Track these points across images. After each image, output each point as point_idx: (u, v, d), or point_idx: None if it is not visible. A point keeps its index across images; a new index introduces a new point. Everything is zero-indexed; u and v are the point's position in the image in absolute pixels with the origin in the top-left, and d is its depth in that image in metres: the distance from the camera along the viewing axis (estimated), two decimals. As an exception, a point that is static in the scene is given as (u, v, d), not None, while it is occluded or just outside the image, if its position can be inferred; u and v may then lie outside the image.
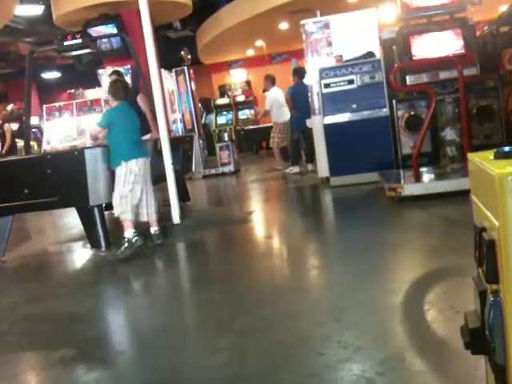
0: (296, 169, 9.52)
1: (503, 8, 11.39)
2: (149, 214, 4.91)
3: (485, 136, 6.62)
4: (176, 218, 5.83)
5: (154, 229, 4.98)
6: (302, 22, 7.55)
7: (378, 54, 7.20)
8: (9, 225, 5.20)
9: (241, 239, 5.23)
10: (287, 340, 2.57)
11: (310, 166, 9.47)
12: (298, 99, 9.02)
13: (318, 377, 2.17)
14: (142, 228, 4.97)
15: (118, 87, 4.97)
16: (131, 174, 4.71)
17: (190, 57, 12.63)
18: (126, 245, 4.65)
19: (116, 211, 4.77)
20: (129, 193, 4.71)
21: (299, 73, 9.33)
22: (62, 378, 2.58)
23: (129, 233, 4.70)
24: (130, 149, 4.77)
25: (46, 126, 11.75)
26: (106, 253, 4.94)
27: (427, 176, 6.02)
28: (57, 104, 12.42)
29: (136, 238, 4.69)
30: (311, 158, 9.31)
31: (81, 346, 2.90)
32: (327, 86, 6.92)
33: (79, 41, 6.13)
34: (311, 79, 7.49)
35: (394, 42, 6.82)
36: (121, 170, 4.72)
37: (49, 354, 2.86)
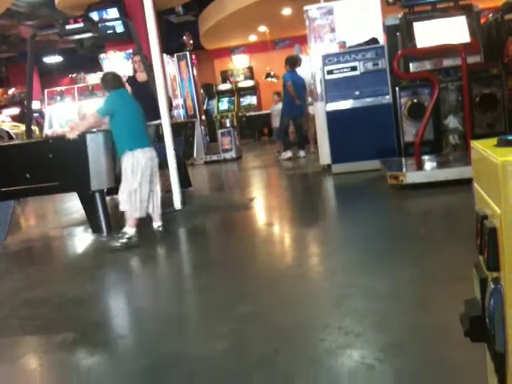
0: (289, 153, 9.83)
1: (508, -5, 11.30)
2: (154, 208, 4.62)
3: (488, 125, 6.59)
4: (177, 203, 5.84)
5: (157, 224, 4.72)
6: (306, 7, 7.49)
7: (382, 40, 7.15)
8: (11, 209, 5.22)
9: (242, 226, 5.23)
10: (288, 326, 2.58)
11: (301, 153, 9.85)
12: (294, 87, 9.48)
13: (318, 363, 2.19)
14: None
15: (108, 80, 4.68)
16: (138, 165, 4.41)
17: (192, 42, 12.56)
18: (124, 241, 4.41)
19: (123, 207, 4.47)
20: (138, 187, 4.44)
21: (291, 61, 9.68)
22: (63, 362, 2.60)
23: (131, 230, 4.45)
24: (135, 138, 4.50)
25: (48, 110, 11.73)
26: (108, 238, 4.94)
27: (429, 164, 6.00)
28: (58, 88, 12.39)
29: (136, 239, 4.45)
30: (302, 145, 9.93)
31: (82, 331, 2.92)
32: (330, 72, 6.88)
33: (81, 25, 6.07)
34: (314, 65, 7.45)
35: (398, 29, 6.76)
36: (127, 162, 4.44)
37: (50, 337, 2.88)
